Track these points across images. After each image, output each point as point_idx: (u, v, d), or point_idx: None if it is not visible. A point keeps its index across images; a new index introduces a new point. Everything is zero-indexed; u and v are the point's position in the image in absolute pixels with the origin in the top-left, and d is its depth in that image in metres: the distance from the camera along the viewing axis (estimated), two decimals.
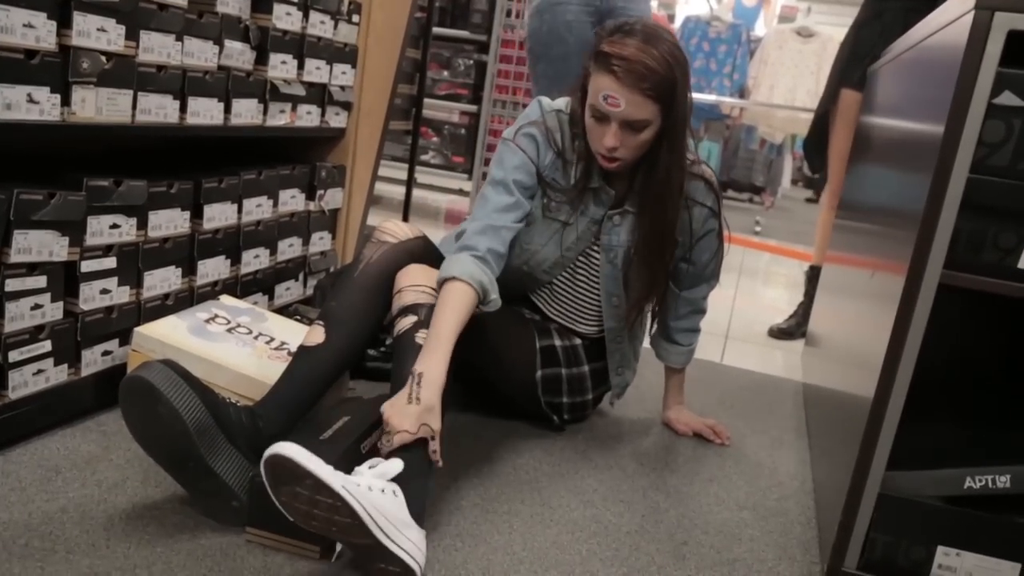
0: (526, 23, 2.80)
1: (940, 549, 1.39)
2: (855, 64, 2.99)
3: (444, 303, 1.57)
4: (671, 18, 7.23)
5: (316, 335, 1.62)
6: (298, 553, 1.38)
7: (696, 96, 6.47)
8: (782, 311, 3.58)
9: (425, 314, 1.59)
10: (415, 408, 1.40)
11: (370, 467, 1.34)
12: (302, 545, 1.38)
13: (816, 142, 3.30)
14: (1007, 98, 1.21)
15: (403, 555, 1.27)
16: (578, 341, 2.00)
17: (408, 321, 1.59)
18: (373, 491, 1.26)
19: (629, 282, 1.91)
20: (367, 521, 1.23)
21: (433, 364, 1.46)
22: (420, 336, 1.55)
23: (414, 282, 1.65)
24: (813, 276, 3.28)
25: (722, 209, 1.94)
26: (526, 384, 1.93)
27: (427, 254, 1.75)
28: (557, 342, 1.97)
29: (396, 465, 1.33)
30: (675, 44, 1.68)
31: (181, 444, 1.36)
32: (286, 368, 1.60)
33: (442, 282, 1.61)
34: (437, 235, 1.89)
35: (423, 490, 1.39)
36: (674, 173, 1.77)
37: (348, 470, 1.31)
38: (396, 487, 1.32)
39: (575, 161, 1.84)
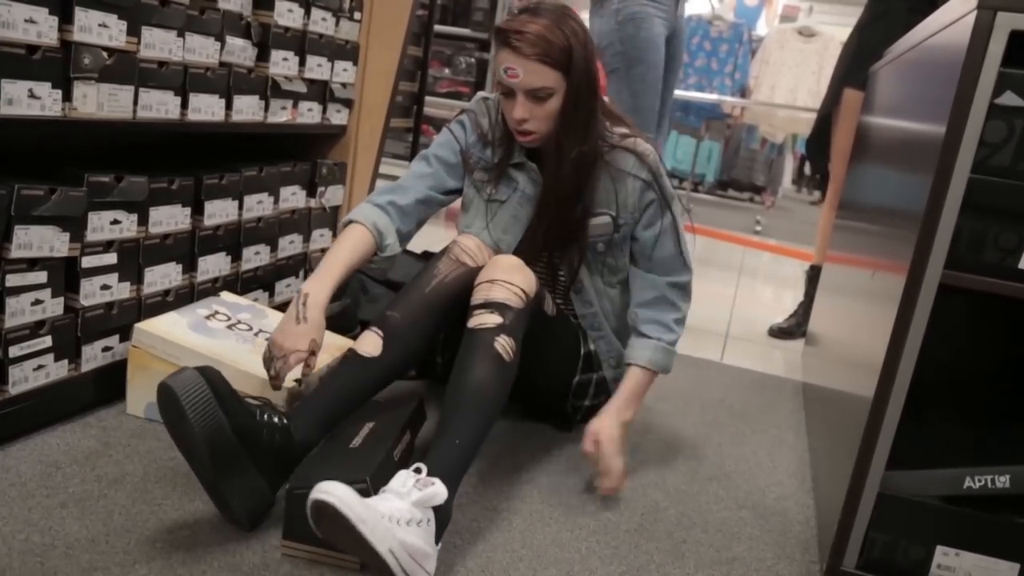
0: (606, 29, 2.91)
1: (939, 549, 1.40)
2: (859, 65, 2.99)
3: (341, 240, 1.74)
4: None
5: (371, 345, 1.59)
6: (338, 565, 1.37)
7: (697, 95, 6.51)
8: (782, 310, 3.58)
9: (511, 319, 1.58)
10: (304, 327, 1.58)
11: (416, 484, 1.31)
12: (342, 557, 1.36)
13: (818, 143, 3.30)
14: (1009, 98, 1.21)
15: None
16: (592, 347, 1.99)
17: (491, 320, 1.56)
18: (411, 526, 1.27)
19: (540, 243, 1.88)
20: (395, 570, 1.24)
21: (319, 287, 1.63)
22: (499, 342, 1.54)
23: (510, 279, 1.63)
24: (814, 276, 3.28)
25: (664, 185, 1.87)
26: (562, 385, 1.94)
27: (465, 289, 1.71)
28: (591, 346, 1.97)
29: (441, 492, 1.32)
30: (576, 20, 1.71)
31: (198, 459, 1.36)
32: (333, 370, 1.59)
33: (345, 224, 1.78)
34: (437, 232, 1.90)
35: (449, 502, 1.37)
36: (564, 143, 1.75)
37: (384, 481, 1.34)
38: (431, 514, 1.32)
39: (497, 141, 1.88)
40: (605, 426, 1.71)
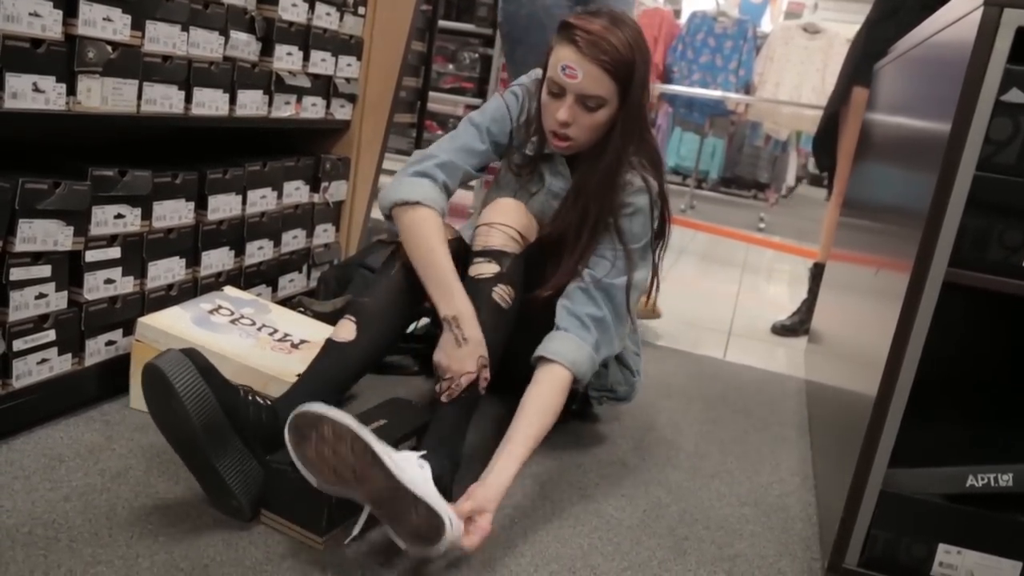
0: (501, 6, 2.69)
1: (941, 547, 1.40)
2: (868, 62, 2.97)
3: (428, 234, 1.63)
4: (677, 13, 7.23)
5: (346, 331, 1.62)
6: (304, 542, 1.39)
7: (701, 91, 6.51)
8: (786, 308, 3.59)
9: (508, 266, 1.63)
10: (467, 348, 1.53)
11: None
12: (307, 535, 1.39)
13: (824, 140, 3.30)
14: (1015, 95, 1.21)
15: (429, 501, 1.29)
16: None
17: (489, 269, 1.61)
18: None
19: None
20: (386, 462, 1.26)
21: (459, 303, 1.57)
22: (497, 292, 1.60)
23: (506, 221, 1.65)
24: (817, 273, 3.28)
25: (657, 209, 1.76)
26: None
27: (463, 252, 1.72)
28: None
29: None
30: (639, 32, 1.65)
31: (189, 438, 1.36)
32: (312, 362, 1.60)
33: (403, 204, 1.66)
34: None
35: (457, 453, 1.44)
36: (613, 165, 1.69)
37: None
38: (424, 461, 1.37)
39: (533, 132, 1.81)
40: (490, 500, 1.42)
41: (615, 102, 1.64)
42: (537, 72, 1.82)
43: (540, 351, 1.64)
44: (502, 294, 1.61)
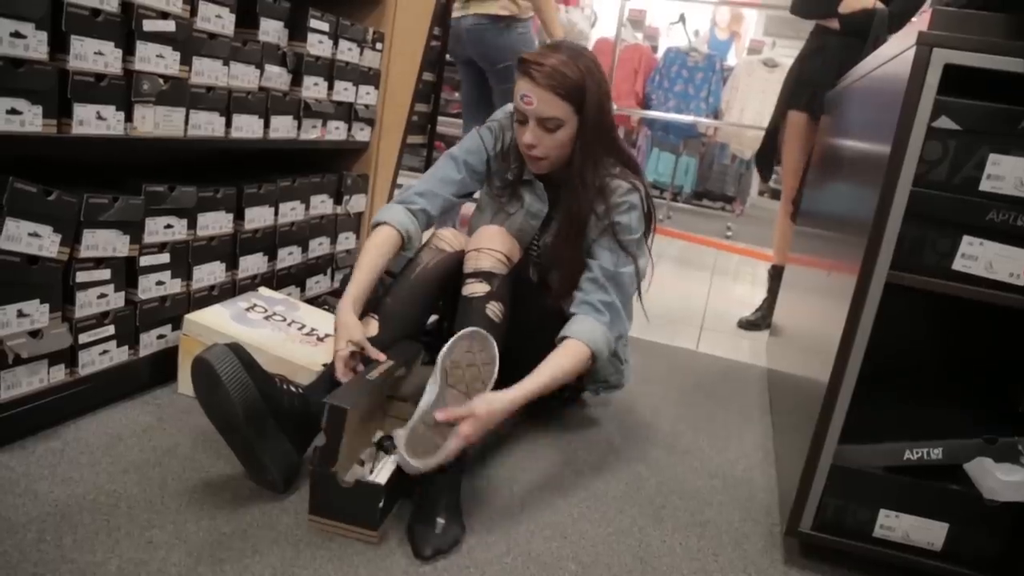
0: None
1: (882, 512, 1.41)
2: (800, 90, 3.06)
3: (371, 247, 1.68)
4: (654, 48, 7.21)
5: (370, 327, 1.64)
6: (360, 538, 1.36)
7: (676, 116, 6.51)
8: (750, 305, 3.59)
9: (498, 285, 1.63)
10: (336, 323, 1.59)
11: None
12: (361, 532, 1.36)
13: (765, 155, 3.35)
14: (944, 122, 1.23)
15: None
16: None
17: (481, 288, 1.62)
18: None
19: (551, 275, 1.81)
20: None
21: (345, 296, 1.62)
22: (490, 308, 1.60)
23: (492, 246, 1.66)
24: (775, 274, 3.30)
25: (644, 207, 1.76)
26: (550, 347, 1.88)
27: (456, 269, 1.73)
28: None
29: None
30: (593, 60, 1.66)
31: (234, 423, 1.37)
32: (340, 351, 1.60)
33: (376, 224, 1.72)
34: None
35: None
36: (587, 174, 1.69)
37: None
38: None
39: (512, 159, 1.82)
40: (481, 409, 1.41)
41: (573, 121, 1.65)
42: (509, 107, 1.84)
43: (562, 333, 1.64)
44: (494, 310, 1.61)
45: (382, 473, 1.40)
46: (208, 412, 1.40)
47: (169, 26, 1.64)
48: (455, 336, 1.48)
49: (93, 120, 1.52)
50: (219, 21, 1.79)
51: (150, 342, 1.79)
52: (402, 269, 1.75)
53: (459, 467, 1.48)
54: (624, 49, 6.46)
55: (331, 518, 1.36)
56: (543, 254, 1.84)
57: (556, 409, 2.05)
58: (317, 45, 2.18)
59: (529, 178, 1.82)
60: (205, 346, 1.73)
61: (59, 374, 1.58)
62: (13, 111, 1.36)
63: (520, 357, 1.59)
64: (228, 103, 1.88)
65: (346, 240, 2.55)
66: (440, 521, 1.38)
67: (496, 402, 1.43)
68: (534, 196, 1.83)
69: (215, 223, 1.91)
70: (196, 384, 1.38)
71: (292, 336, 1.85)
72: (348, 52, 2.33)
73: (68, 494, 1.36)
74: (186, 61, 1.72)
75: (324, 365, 1.70)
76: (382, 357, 1.56)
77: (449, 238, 1.78)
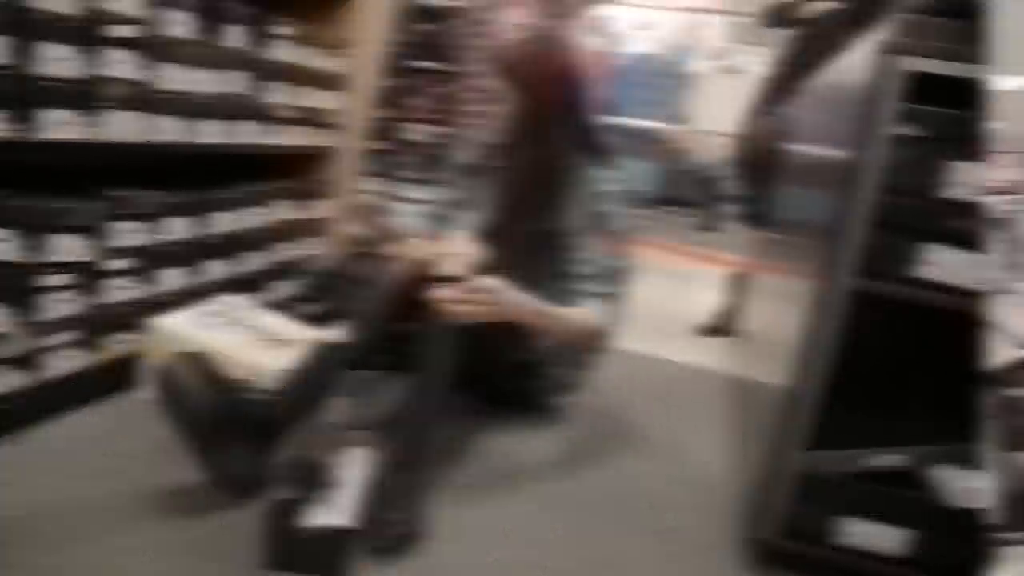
0: None
1: (845, 518, 1.42)
2: (770, 97, 3.07)
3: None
4: (619, 55, 7.26)
5: (336, 332, 1.60)
6: None
7: (638, 122, 6.56)
8: (710, 311, 3.60)
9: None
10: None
11: None
12: None
13: (737, 163, 3.39)
14: (905, 129, 1.24)
15: None
16: None
17: (446, 293, 1.58)
18: None
19: None
20: None
21: None
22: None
23: (457, 251, 1.64)
24: (735, 281, 3.33)
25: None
26: (524, 351, 1.89)
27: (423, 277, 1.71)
28: None
29: None
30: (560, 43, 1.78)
31: (195, 430, 1.37)
32: (302, 358, 1.58)
33: None
34: None
35: None
36: (544, 146, 1.79)
37: None
38: None
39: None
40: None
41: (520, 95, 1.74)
42: None
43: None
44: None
45: (351, 473, 1.40)
46: (172, 421, 1.38)
47: (133, 31, 1.61)
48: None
49: (56, 125, 1.49)
50: (183, 27, 1.77)
51: (112, 347, 1.76)
52: (370, 273, 1.73)
53: (422, 468, 1.49)
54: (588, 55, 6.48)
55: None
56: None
57: (521, 414, 2.04)
58: (282, 52, 2.16)
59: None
60: (167, 351, 1.71)
61: (20, 379, 1.55)
62: None
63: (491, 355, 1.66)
64: (191, 108, 1.85)
65: (309, 245, 2.52)
66: (398, 518, 1.39)
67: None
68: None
69: (178, 228, 1.89)
70: (158, 390, 1.38)
71: (254, 340, 1.83)
72: (312, 59, 2.30)
73: (30, 500, 1.34)
74: (150, 66, 1.69)
75: (287, 370, 1.68)
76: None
77: (416, 247, 1.76)
